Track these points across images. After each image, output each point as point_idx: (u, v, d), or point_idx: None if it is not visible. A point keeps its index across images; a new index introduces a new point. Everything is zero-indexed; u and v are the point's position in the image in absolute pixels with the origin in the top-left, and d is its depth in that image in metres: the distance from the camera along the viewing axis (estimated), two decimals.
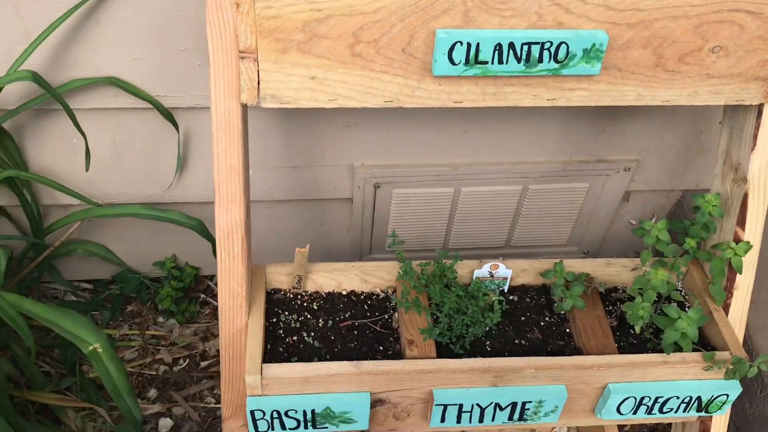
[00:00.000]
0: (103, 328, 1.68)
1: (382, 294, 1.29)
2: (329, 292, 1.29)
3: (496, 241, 1.72)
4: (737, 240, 1.23)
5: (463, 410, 1.18)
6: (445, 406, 1.17)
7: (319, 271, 1.28)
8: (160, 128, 1.39)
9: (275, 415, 1.15)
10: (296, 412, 1.15)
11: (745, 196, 1.20)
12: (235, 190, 1.11)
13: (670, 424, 1.51)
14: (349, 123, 1.42)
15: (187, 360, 1.65)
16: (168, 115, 1.34)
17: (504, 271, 1.29)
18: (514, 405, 1.19)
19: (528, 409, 1.20)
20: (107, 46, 1.26)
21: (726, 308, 1.26)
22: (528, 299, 1.31)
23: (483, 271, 1.29)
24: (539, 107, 1.41)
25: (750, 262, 1.23)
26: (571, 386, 1.19)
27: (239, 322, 1.18)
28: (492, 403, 1.18)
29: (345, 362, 1.14)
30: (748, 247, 1.20)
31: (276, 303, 1.27)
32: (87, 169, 1.36)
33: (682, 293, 1.32)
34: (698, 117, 1.50)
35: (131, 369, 1.63)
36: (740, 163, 1.21)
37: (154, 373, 1.64)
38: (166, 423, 1.56)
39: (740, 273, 1.22)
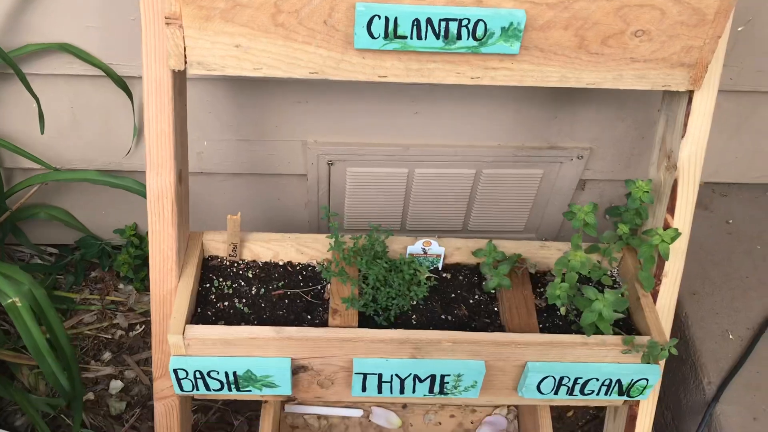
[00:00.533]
0: (66, 292, 1.73)
1: (318, 266, 1.32)
2: (266, 262, 1.32)
3: (452, 224, 1.74)
4: (666, 227, 1.24)
5: (383, 380, 1.21)
6: (365, 375, 1.20)
7: (256, 240, 1.31)
8: (116, 96, 1.43)
9: (198, 375, 1.18)
10: (218, 373, 1.18)
11: (675, 183, 1.21)
12: (166, 155, 1.14)
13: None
14: (300, 100, 1.45)
15: (143, 326, 1.69)
16: (121, 83, 1.38)
17: (437, 248, 1.31)
18: (433, 378, 1.21)
19: (447, 382, 1.22)
20: (60, 14, 1.29)
21: (655, 295, 1.27)
22: (461, 277, 1.33)
23: (416, 247, 1.31)
24: (487, 90, 1.45)
25: (678, 249, 1.24)
26: (491, 362, 1.21)
27: (169, 285, 1.21)
28: (411, 374, 1.20)
29: (266, 327, 1.17)
30: (676, 234, 1.21)
31: (212, 269, 1.30)
32: (42, 132, 1.40)
33: (615, 279, 1.33)
34: (651, 107, 1.51)
35: (88, 332, 1.68)
36: (672, 150, 1.22)
37: (110, 336, 1.68)
38: (116, 385, 1.60)
39: (666, 259, 1.23)
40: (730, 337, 1.42)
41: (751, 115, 1.54)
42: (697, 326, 1.44)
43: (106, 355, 1.65)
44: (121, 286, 1.75)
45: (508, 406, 1.59)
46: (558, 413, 1.64)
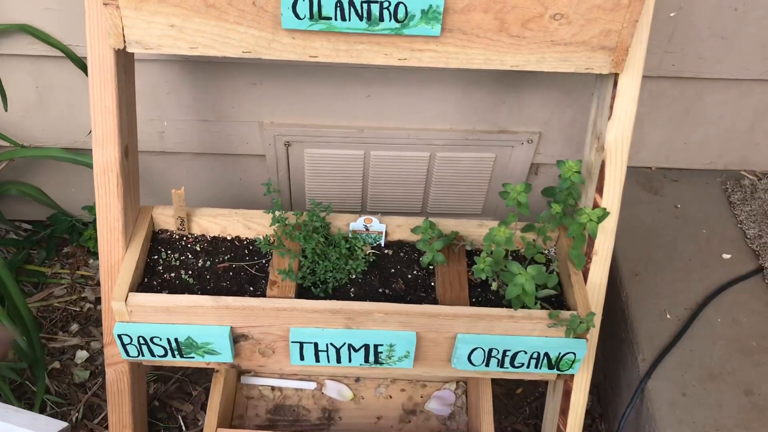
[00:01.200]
0: (38, 266, 1.80)
1: (258, 240, 1.37)
2: (214, 236, 1.38)
3: (412, 206, 1.79)
4: (595, 206, 1.28)
5: (319, 349, 1.26)
6: (301, 344, 1.25)
7: (204, 215, 1.36)
8: (79, 76, 1.49)
9: (142, 341, 1.24)
10: (161, 339, 1.24)
11: (603, 165, 1.25)
12: (110, 130, 1.20)
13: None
14: (255, 81, 1.50)
15: None
16: (81, 63, 1.44)
17: (378, 225, 1.36)
18: (366, 347, 1.26)
19: (381, 352, 1.27)
20: None
21: (586, 273, 1.31)
22: (402, 254, 1.38)
23: (358, 224, 1.36)
24: (436, 74, 1.50)
25: (608, 228, 1.28)
26: (423, 334, 1.25)
27: (116, 255, 1.27)
28: (345, 343, 1.25)
29: (205, 296, 1.22)
30: (604, 213, 1.25)
31: (161, 242, 1.36)
32: (5, 109, 1.47)
33: (551, 257, 1.37)
34: None
35: (58, 304, 1.75)
36: (601, 132, 1.26)
37: (78, 309, 1.75)
38: (82, 355, 1.67)
39: (594, 238, 1.27)
40: (668, 316, 1.46)
41: (697, 101, 1.57)
42: (637, 306, 1.48)
43: (74, 327, 1.72)
44: (91, 261, 1.82)
45: (457, 382, 1.64)
46: (507, 390, 1.69)
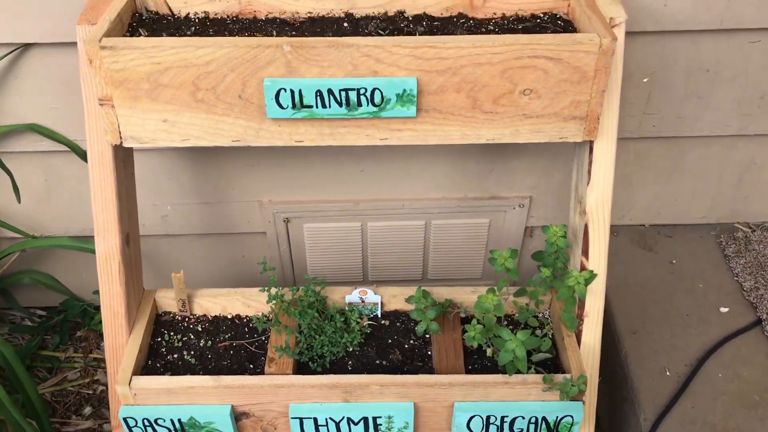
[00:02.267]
0: (52, 351, 1.85)
1: (255, 319, 1.41)
2: (215, 316, 1.42)
3: (411, 274, 1.82)
4: (583, 269, 1.30)
5: (319, 424, 1.28)
6: (301, 420, 1.28)
7: (204, 296, 1.41)
8: (84, 168, 1.56)
9: (146, 423, 1.27)
10: (165, 420, 1.27)
11: (586, 227, 1.29)
12: (111, 220, 1.26)
13: None
14: (252, 163, 1.57)
15: None
16: (85, 156, 1.51)
17: (373, 296, 1.40)
18: (365, 420, 1.28)
19: (380, 424, 1.29)
20: (27, 96, 1.44)
21: (579, 334, 1.33)
22: (398, 324, 1.41)
23: (353, 296, 1.40)
24: (423, 148, 1.55)
25: (597, 289, 1.30)
26: (421, 404, 1.27)
27: (120, 339, 1.32)
28: (344, 417, 1.27)
29: (205, 376, 1.26)
30: (591, 275, 1.27)
31: (164, 324, 1.40)
32: (19, 202, 1.54)
33: (544, 321, 1.40)
34: None
35: (71, 388, 1.79)
36: (583, 196, 1.30)
37: (91, 392, 1.79)
38: None
39: (584, 300, 1.30)
40: (668, 373, 1.46)
41: (682, 158, 1.60)
42: (636, 364, 1.48)
43: (87, 410, 1.75)
44: (103, 344, 1.86)
45: None
46: None
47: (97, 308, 1.86)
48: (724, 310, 1.57)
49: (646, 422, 1.40)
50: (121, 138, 1.19)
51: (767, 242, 1.68)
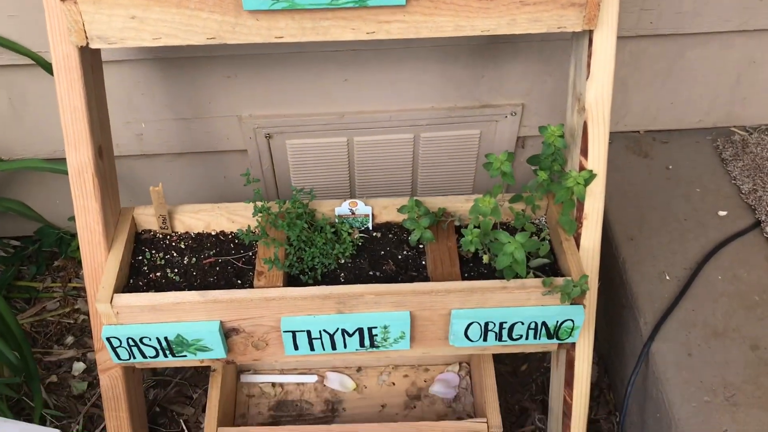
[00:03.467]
0: (29, 282, 1.78)
1: (240, 232, 1.34)
2: (198, 233, 1.36)
3: (401, 189, 1.76)
4: (581, 169, 1.25)
5: (313, 337, 1.24)
6: (294, 333, 1.23)
7: (185, 212, 1.34)
8: (52, 83, 1.46)
9: (131, 342, 1.22)
10: (150, 339, 1.22)
11: (585, 125, 1.23)
12: (81, 130, 1.17)
13: None
14: (230, 74, 1.48)
15: None
16: (51, 69, 1.42)
17: (363, 208, 1.34)
18: (360, 331, 1.23)
19: (376, 335, 1.24)
20: None
21: (578, 238, 1.29)
22: (390, 235, 1.36)
23: (343, 208, 1.34)
24: (411, 53, 1.47)
25: (596, 190, 1.25)
26: (417, 313, 1.23)
27: (99, 258, 1.25)
28: (338, 329, 1.23)
29: (192, 292, 1.20)
30: (590, 175, 1.22)
31: (144, 243, 1.34)
32: None
33: (541, 226, 1.35)
34: None
35: (51, 318, 1.73)
36: (581, 92, 1.23)
37: (72, 321, 1.73)
38: (79, 366, 1.65)
39: (583, 201, 1.25)
40: (667, 278, 1.43)
41: (679, 58, 1.54)
42: (635, 270, 1.45)
43: (69, 339, 1.70)
44: (81, 272, 1.80)
45: (460, 363, 1.62)
46: (513, 368, 1.66)
47: (74, 235, 1.79)
48: (722, 213, 1.53)
49: (647, 326, 1.37)
50: (86, 38, 1.09)
51: (765, 144, 1.63)
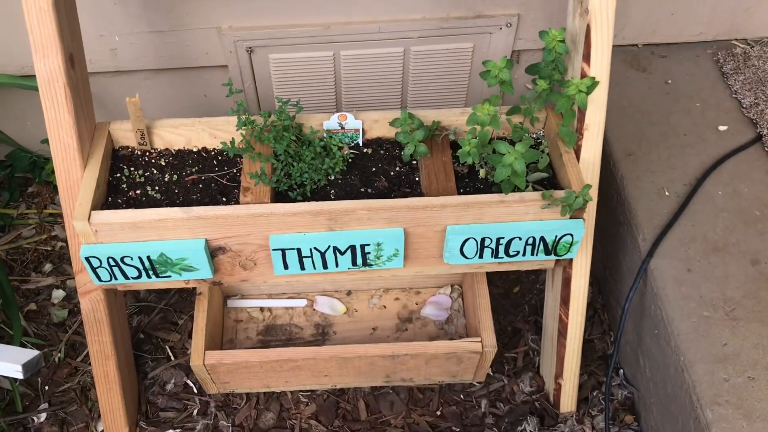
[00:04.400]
0: (3, 209, 1.71)
1: (223, 145, 1.27)
2: (179, 149, 1.29)
3: (389, 106, 1.69)
4: (583, 76, 1.19)
5: (303, 255, 1.19)
6: (284, 251, 1.18)
7: (165, 126, 1.27)
8: None
9: (112, 262, 1.16)
10: (132, 259, 1.16)
11: (588, 29, 1.16)
12: (49, 35, 1.09)
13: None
14: None
15: None
16: None
17: (353, 122, 1.27)
18: (353, 249, 1.19)
19: (368, 252, 1.20)
20: None
21: (578, 151, 1.23)
22: (382, 151, 1.30)
23: (332, 122, 1.27)
24: None
25: (598, 99, 1.19)
26: (411, 229, 1.18)
27: (74, 174, 1.18)
28: (330, 246, 1.18)
29: (175, 208, 1.14)
30: (593, 82, 1.16)
31: (122, 159, 1.26)
32: None
33: (540, 140, 1.29)
34: None
35: (27, 245, 1.66)
36: None
37: (49, 248, 1.66)
38: (58, 294, 1.59)
39: (585, 110, 1.19)
40: (666, 194, 1.39)
41: None
42: (633, 186, 1.41)
43: (47, 267, 1.64)
44: (57, 198, 1.72)
45: (452, 285, 1.58)
46: (505, 290, 1.63)
47: (48, 159, 1.70)
48: (722, 128, 1.49)
49: (645, 243, 1.34)
50: None
51: (767, 57, 1.58)
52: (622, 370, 1.47)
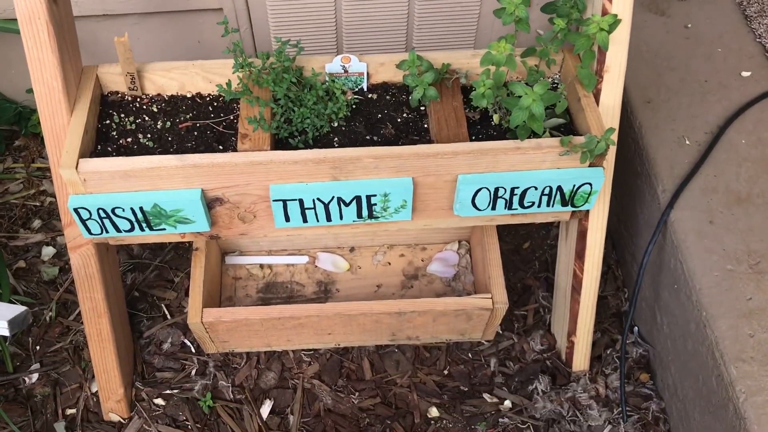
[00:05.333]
0: None
1: (219, 88, 1.19)
2: (172, 95, 1.21)
3: (393, 50, 1.60)
4: (604, 14, 1.11)
5: (306, 207, 1.12)
6: (285, 203, 1.11)
7: (157, 70, 1.19)
8: None
9: (102, 214, 1.09)
10: (124, 210, 1.09)
11: None
12: None
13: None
14: None
15: None
16: None
17: (358, 64, 1.19)
18: (358, 200, 1.12)
19: (375, 204, 1.13)
20: None
21: (597, 94, 1.16)
22: (388, 97, 1.22)
23: (334, 65, 1.19)
24: None
25: (620, 39, 1.11)
26: (420, 179, 1.11)
27: (60, 120, 1.10)
28: (334, 197, 1.11)
29: (168, 156, 1.06)
30: (615, 20, 1.08)
31: (112, 105, 1.19)
32: None
33: (556, 84, 1.22)
34: None
35: (15, 201, 1.59)
36: None
37: (38, 204, 1.59)
38: (48, 251, 1.52)
39: (606, 50, 1.11)
40: (687, 142, 1.32)
41: None
42: (652, 135, 1.34)
43: (36, 223, 1.57)
44: (46, 152, 1.64)
45: (460, 241, 1.52)
46: (514, 246, 1.57)
47: (34, 110, 1.62)
48: (745, 74, 1.41)
49: (665, 193, 1.27)
50: None
51: None
52: (636, 328, 1.42)
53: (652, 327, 1.36)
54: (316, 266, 1.50)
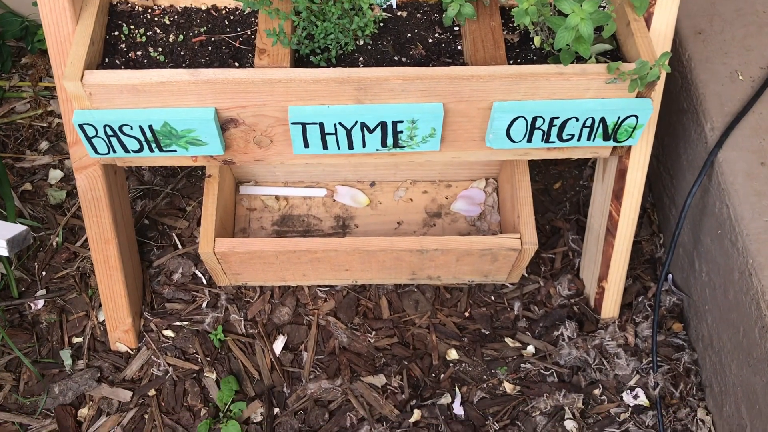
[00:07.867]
0: None
1: (249, 10, 1.11)
2: (186, 7, 1.12)
3: None
4: None
5: (326, 132, 1.04)
6: (304, 126, 1.03)
7: None
8: None
9: (109, 131, 1.02)
10: (132, 128, 1.01)
11: None
12: None
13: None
14: None
15: None
16: None
17: None
18: (383, 126, 1.03)
19: (401, 131, 1.04)
20: None
21: (648, 19, 1.06)
22: (419, 15, 1.12)
23: None
24: None
25: None
26: (451, 105, 1.02)
27: (65, 28, 1.02)
28: (357, 122, 1.02)
29: (179, 69, 0.98)
30: None
31: (120, 16, 1.10)
32: None
33: (603, 6, 1.11)
34: None
35: (21, 121, 1.52)
36: None
37: (45, 125, 1.52)
38: (56, 174, 1.46)
39: None
40: (740, 78, 1.22)
41: None
42: (702, 68, 1.24)
43: (43, 145, 1.50)
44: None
45: (486, 179, 1.44)
46: (544, 186, 1.48)
47: (41, 25, 1.53)
48: None
49: (713, 132, 1.18)
50: None
51: None
52: (671, 275, 1.34)
53: (689, 275, 1.28)
54: (335, 200, 1.42)
